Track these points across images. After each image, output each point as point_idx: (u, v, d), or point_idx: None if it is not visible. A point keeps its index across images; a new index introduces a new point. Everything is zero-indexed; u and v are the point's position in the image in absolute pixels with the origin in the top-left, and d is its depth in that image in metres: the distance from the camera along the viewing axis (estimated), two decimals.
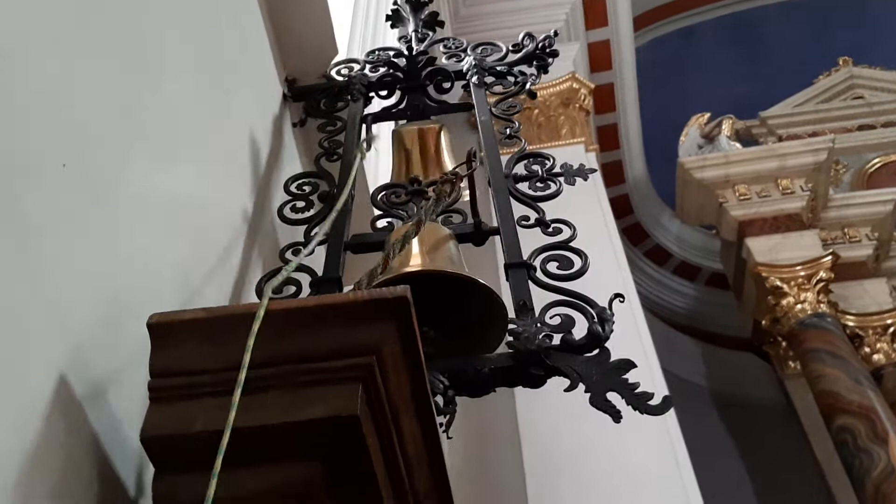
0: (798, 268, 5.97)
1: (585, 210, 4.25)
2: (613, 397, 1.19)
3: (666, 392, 3.76)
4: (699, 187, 6.58)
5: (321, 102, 1.85)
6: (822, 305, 5.89)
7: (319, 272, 1.44)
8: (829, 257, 5.99)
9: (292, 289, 1.39)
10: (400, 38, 1.98)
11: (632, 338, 3.95)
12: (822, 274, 5.96)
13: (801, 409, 5.90)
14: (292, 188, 1.62)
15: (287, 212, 1.58)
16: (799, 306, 5.89)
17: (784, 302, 5.93)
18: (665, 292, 8.11)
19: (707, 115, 7.35)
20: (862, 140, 7.65)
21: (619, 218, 6.51)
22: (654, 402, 1.17)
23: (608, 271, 4.28)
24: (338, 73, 1.90)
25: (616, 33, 6.29)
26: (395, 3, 2.02)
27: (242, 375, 0.76)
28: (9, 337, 0.79)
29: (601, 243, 4.49)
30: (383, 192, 1.63)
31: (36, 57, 0.90)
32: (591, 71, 6.28)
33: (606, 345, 1.25)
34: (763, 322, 6.20)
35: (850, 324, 6.01)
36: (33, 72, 0.89)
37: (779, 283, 5.97)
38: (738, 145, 7.05)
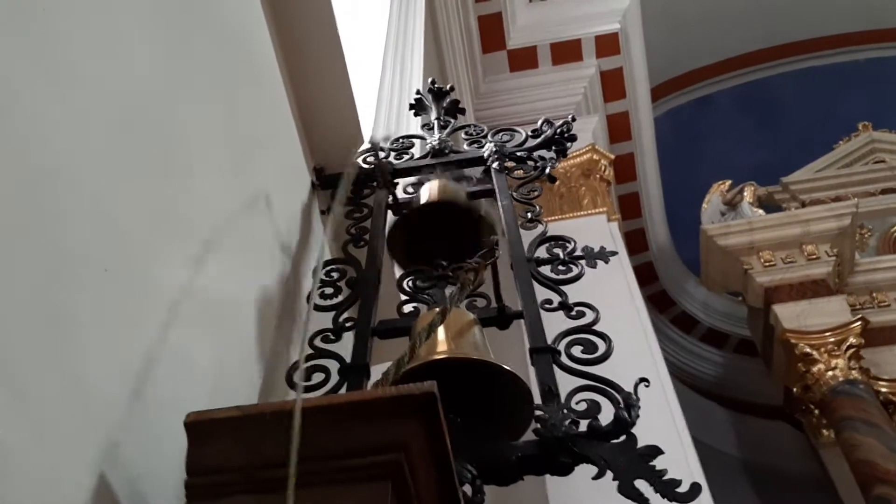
0: (827, 334, 5.91)
1: (610, 279, 4.26)
2: (641, 484, 1.19)
3: (697, 464, 3.74)
4: (723, 254, 6.58)
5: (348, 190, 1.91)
6: (853, 372, 5.81)
7: (347, 357, 1.47)
8: (859, 323, 5.92)
9: (321, 376, 1.41)
10: (423, 126, 2.05)
11: (661, 406, 3.91)
12: (852, 340, 5.89)
13: (836, 479, 5.76)
14: (321, 275, 1.66)
15: (316, 298, 1.62)
16: (830, 373, 5.81)
17: (815, 369, 5.85)
18: (693, 360, 8.03)
19: (728, 183, 7.40)
20: (886, 204, 7.62)
21: (644, 285, 6.51)
22: (682, 489, 1.17)
23: (635, 340, 4.27)
24: (364, 161, 1.96)
25: (634, 105, 6.40)
26: (417, 93, 2.09)
27: (292, 477, 0.78)
28: (51, 436, 0.82)
29: (626, 312, 4.49)
30: (409, 277, 1.66)
31: (81, 173, 0.96)
32: (611, 142, 6.38)
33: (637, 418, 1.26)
34: (794, 389, 6.11)
35: (884, 390, 5.90)
36: (78, 186, 0.95)
37: (808, 349, 5.90)
38: (760, 212, 7.07)
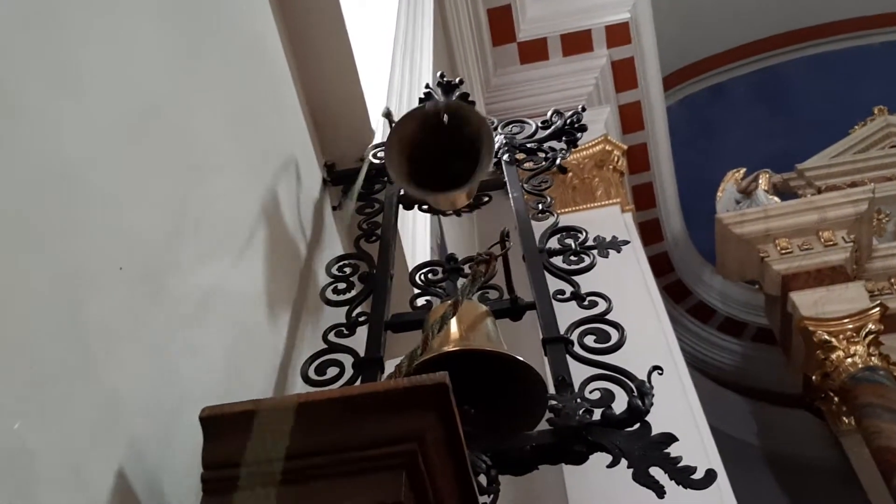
0: (846, 320, 5.87)
1: (625, 270, 4.26)
2: (656, 471, 1.19)
3: (715, 453, 3.72)
4: (739, 243, 6.55)
5: None
6: (873, 358, 5.77)
7: (361, 351, 1.48)
8: (877, 309, 5.88)
9: (335, 370, 1.42)
10: None
11: (678, 396, 3.90)
12: (871, 326, 5.85)
13: (858, 467, 5.73)
14: (333, 270, 1.67)
15: (329, 293, 1.63)
16: (849, 360, 5.77)
17: (834, 356, 5.82)
18: (711, 349, 8.00)
19: (743, 171, 7.36)
20: None
21: (659, 276, 6.49)
22: (697, 475, 1.17)
23: (650, 330, 4.26)
24: (374, 156, 1.96)
25: (646, 94, 6.37)
26: (427, 87, 2.09)
27: (278, 468, 0.79)
28: (70, 433, 0.83)
29: (642, 302, 4.48)
30: (421, 271, 1.67)
31: (98, 174, 0.97)
32: (624, 132, 6.35)
33: (654, 407, 1.26)
34: (813, 377, 6.08)
35: None
36: (95, 188, 0.96)
37: (827, 336, 5.87)
38: (776, 199, 7.03)
